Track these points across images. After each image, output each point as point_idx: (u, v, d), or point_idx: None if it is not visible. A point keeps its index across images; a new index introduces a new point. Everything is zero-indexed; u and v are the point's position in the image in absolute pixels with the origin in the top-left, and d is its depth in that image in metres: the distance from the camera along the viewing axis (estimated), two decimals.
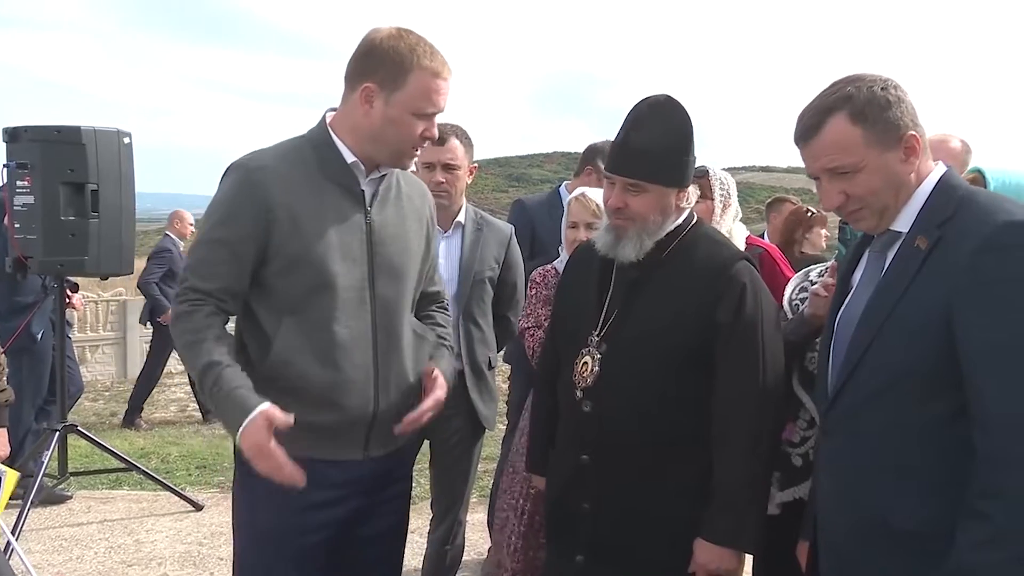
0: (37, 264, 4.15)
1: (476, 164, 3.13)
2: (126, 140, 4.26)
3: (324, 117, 2.01)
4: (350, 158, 1.95)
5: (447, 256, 2.99)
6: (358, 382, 1.94)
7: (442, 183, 2.93)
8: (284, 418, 1.75)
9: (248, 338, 1.96)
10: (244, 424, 1.74)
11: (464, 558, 3.43)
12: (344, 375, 1.92)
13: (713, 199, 2.93)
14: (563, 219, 2.96)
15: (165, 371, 8.17)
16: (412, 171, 2.62)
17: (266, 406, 1.76)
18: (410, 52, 1.89)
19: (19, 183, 4.08)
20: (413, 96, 1.90)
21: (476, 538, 4.27)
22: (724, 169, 3.18)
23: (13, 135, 4.12)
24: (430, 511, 3.20)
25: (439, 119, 1.99)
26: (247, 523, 2.02)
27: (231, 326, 1.97)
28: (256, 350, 1.93)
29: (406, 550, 2.23)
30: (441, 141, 2.91)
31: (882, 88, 1.61)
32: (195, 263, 1.92)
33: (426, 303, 2.23)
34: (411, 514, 2.26)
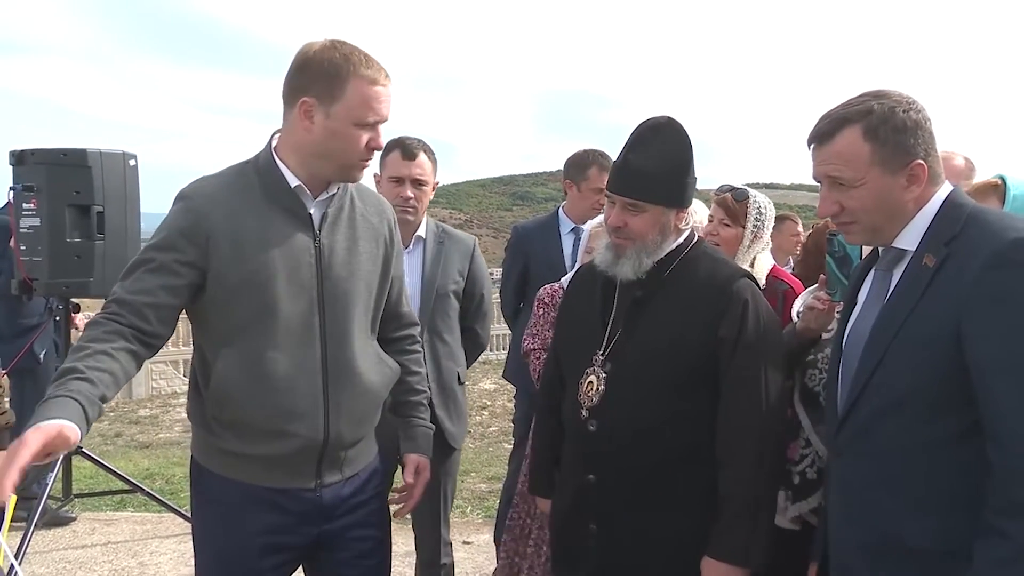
0: (43, 286, 4.16)
1: (439, 181, 3.07)
2: (131, 162, 4.27)
3: (271, 139, 1.95)
4: (294, 182, 1.89)
5: (409, 271, 2.92)
6: (304, 412, 1.87)
7: (410, 198, 2.88)
8: (52, 443, 1.49)
9: (198, 370, 1.93)
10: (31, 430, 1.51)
11: None
12: (288, 406, 1.86)
13: (745, 227, 2.69)
14: (580, 245, 2.96)
15: (170, 392, 8.18)
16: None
17: (52, 424, 1.50)
18: (345, 61, 1.83)
19: (25, 205, 4.10)
20: (352, 106, 1.83)
21: (482, 559, 4.24)
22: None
23: (19, 158, 4.14)
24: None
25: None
26: (201, 546, 2.01)
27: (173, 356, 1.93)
28: (203, 383, 1.90)
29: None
30: (411, 156, 2.89)
31: (904, 111, 1.60)
32: (127, 277, 1.83)
33: (394, 326, 2.18)
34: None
